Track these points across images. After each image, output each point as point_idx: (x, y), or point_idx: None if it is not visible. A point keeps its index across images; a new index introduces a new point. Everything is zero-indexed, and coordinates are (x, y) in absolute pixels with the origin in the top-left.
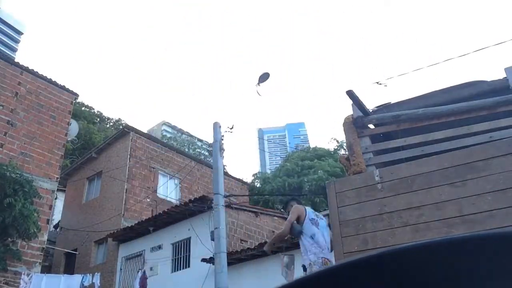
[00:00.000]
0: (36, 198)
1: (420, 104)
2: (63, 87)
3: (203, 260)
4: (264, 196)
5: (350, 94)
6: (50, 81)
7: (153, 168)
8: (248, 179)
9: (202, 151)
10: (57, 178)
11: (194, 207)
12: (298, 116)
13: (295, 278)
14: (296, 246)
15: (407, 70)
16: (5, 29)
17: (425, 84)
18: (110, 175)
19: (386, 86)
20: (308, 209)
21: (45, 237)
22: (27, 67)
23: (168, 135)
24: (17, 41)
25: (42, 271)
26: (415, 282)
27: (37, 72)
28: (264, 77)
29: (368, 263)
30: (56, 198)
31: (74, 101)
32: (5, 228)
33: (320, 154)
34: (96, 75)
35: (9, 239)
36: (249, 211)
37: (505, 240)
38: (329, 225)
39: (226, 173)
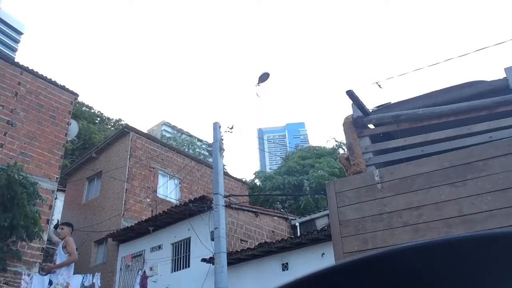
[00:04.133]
0: (38, 199)
1: (420, 104)
2: (63, 87)
3: (203, 260)
4: (263, 194)
5: (350, 94)
6: (50, 81)
7: (153, 168)
8: (249, 178)
9: (202, 151)
10: (57, 178)
11: (194, 207)
12: (298, 116)
13: (295, 278)
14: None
15: (407, 70)
16: (5, 29)
17: (425, 84)
18: (110, 175)
19: (380, 87)
20: None
21: (45, 237)
22: (27, 67)
23: (168, 135)
24: (17, 41)
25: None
26: (415, 281)
27: (37, 72)
28: (264, 77)
29: (368, 263)
30: (56, 198)
31: (74, 101)
32: (12, 228)
33: (319, 153)
34: (96, 75)
35: (10, 239)
36: (249, 211)
37: (505, 240)
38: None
39: (226, 173)
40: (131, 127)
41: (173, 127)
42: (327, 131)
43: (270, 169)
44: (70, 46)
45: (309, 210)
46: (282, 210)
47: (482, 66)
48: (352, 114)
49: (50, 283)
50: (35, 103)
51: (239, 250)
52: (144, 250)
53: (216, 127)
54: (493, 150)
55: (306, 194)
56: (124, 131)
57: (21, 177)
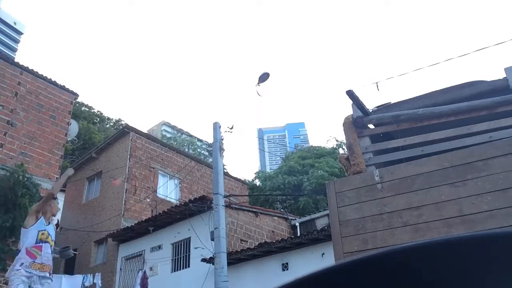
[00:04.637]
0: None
1: (420, 104)
2: (63, 87)
3: (203, 260)
4: (263, 194)
5: (350, 94)
6: (50, 81)
7: (153, 168)
8: (249, 178)
9: (202, 151)
10: (57, 178)
11: (194, 207)
12: (298, 116)
13: (295, 278)
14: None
15: (407, 70)
16: (5, 29)
17: (425, 84)
18: (110, 175)
19: (378, 89)
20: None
21: None
22: (27, 67)
23: (168, 135)
24: (17, 41)
25: None
26: (415, 281)
27: (37, 72)
28: (264, 77)
29: (368, 263)
30: (56, 198)
31: (74, 101)
32: (13, 229)
33: (319, 153)
34: (96, 75)
35: (10, 239)
36: (249, 211)
37: (505, 240)
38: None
39: (226, 173)
40: (131, 127)
41: (173, 127)
42: (327, 131)
43: (270, 169)
44: (70, 46)
45: (308, 211)
46: (282, 210)
47: (482, 66)
48: (352, 114)
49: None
50: (35, 103)
51: (239, 250)
52: (144, 250)
53: (216, 127)
54: (493, 150)
55: (306, 195)
56: (124, 131)
57: (25, 179)
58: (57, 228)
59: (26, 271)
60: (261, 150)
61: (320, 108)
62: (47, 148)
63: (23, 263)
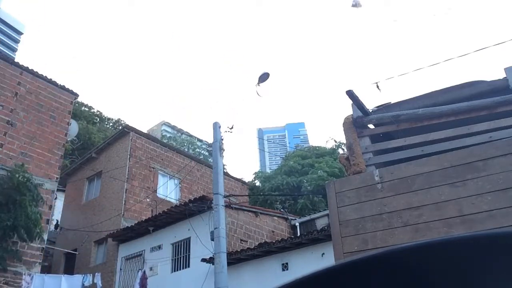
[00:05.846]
0: (40, 201)
1: (420, 104)
2: (63, 87)
3: (203, 260)
4: (263, 195)
5: (350, 94)
6: (50, 81)
7: (153, 168)
8: (248, 178)
9: (202, 151)
10: (57, 178)
11: (194, 207)
12: (298, 116)
13: (295, 278)
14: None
15: (407, 70)
16: (5, 29)
17: (425, 84)
18: (110, 175)
19: (379, 87)
20: None
21: (45, 237)
22: (27, 67)
23: (168, 135)
24: (17, 41)
25: (42, 271)
26: (415, 281)
27: (37, 72)
28: (264, 77)
29: (368, 263)
30: (56, 198)
31: (74, 101)
32: (14, 228)
33: (319, 153)
34: (96, 75)
35: (9, 239)
36: (249, 211)
37: (505, 240)
38: None
39: (226, 173)
40: (131, 127)
41: (173, 127)
42: (327, 131)
43: (270, 169)
44: (70, 46)
45: (306, 212)
46: (282, 210)
47: (482, 66)
48: (352, 114)
49: None
50: (35, 103)
51: (239, 250)
52: (144, 250)
53: (216, 127)
54: (493, 150)
55: (307, 194)
56: (124, 131)
57: (25, 179)
58: (56, 228)
59: None
60: (261, 150)
61: (320, 108)
62: (47, 148)
63: None
